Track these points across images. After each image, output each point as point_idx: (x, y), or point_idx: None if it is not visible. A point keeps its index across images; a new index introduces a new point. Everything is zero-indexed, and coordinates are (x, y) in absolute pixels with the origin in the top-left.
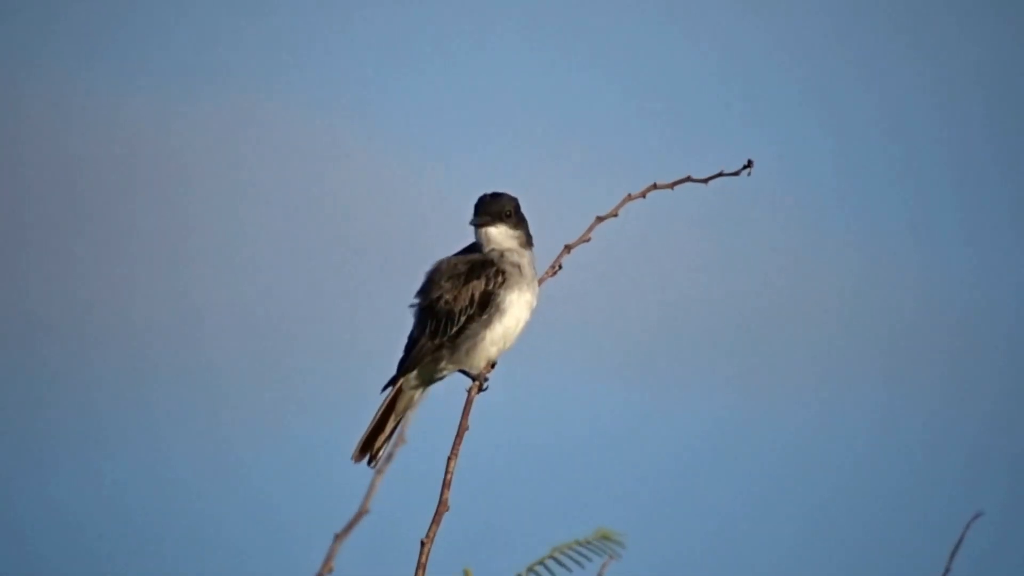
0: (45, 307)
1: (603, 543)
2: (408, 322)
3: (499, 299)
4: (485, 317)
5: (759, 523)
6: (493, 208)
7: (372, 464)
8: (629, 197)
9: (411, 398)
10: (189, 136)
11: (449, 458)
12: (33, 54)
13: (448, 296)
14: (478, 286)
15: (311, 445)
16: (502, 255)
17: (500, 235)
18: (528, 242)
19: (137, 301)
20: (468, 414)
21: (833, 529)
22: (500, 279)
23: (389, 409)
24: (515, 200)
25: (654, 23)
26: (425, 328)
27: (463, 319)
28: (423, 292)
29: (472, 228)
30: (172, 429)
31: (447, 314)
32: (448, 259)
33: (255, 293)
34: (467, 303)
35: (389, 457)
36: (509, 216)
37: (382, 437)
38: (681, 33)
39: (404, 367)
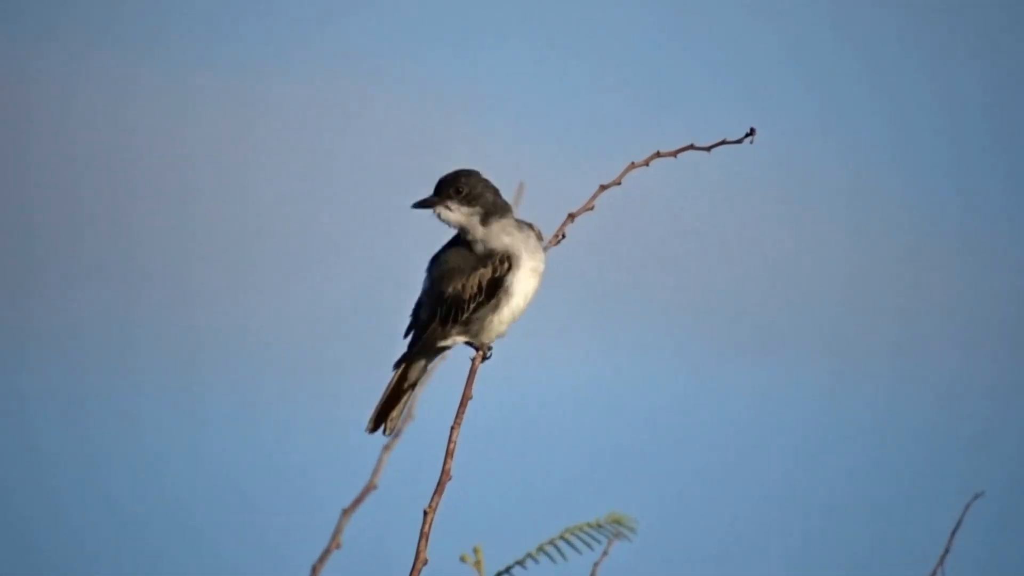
0: (48, 296)
1: (614, 526)
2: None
3: (506, 284)
4: (493, 302)
5: (761, 502)
6: (441, 188)
7: (387, 434)
8: (632, 165)
9: (421, 369)
10: (193, 116)
11: (452, 427)
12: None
13: (456, 285)
14: (485, 274)
15: (318, 421)
16: (491, 242)
17: (449, 213)
18: (490, 213)
19: (138, 283)
20: (472, 383)
21: (836, 507)
22: (506, 266)
23: (401, 381)
24: (465, 174)
25: None
26: (435, 314)
27: (472, 306)
28: (431, 280)
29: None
30: (178, 407)
31: (455, 302)
32: (451, 247)
33: (262, 270)
34: (475, 291)
35: (397, 433)
36: (460, 191)
37: (396, 407)
38: (685, 1)
39: (415, 351)
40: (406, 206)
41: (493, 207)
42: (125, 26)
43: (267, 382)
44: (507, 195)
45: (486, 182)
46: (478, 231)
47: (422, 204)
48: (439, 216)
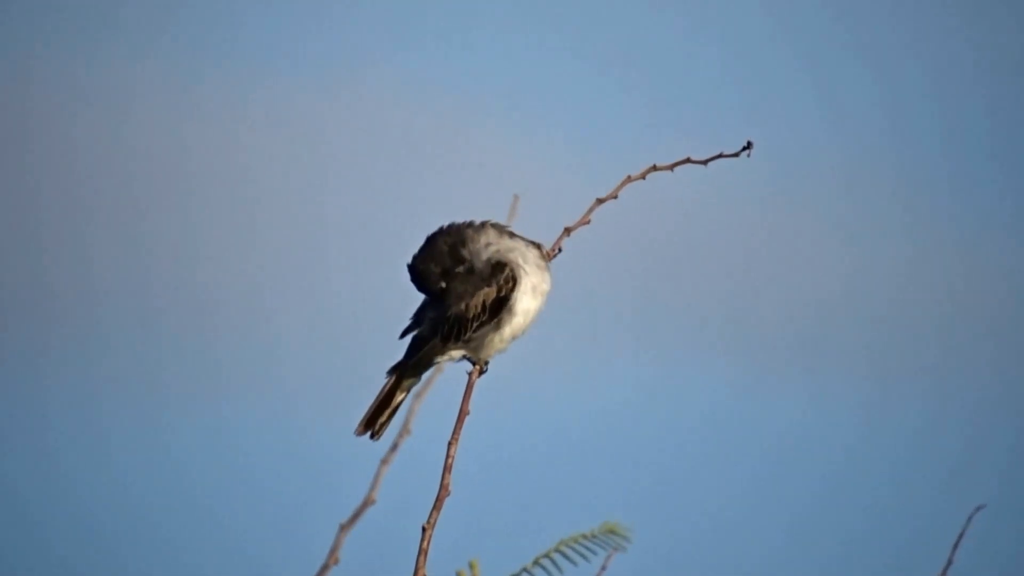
0: (54, 293)
1: (609, 537)
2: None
3: (511, 302)
4: (495, 321)
5: (761, 513)
6: (429, 279)
7: (375, 438)
8: (629, 179)
9: (416, 377)
10: (203, 130)
11: (450, 443)
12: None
13: (461, 305)
14: (490, 294)
15: (317, 435)
16: (504, 253)
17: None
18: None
19: (144, 287)
20: (469, 398)
21: (837, 521)
22: (511, 284)
23: (394, 387)
24: (435, 245)
25: (654, 4)
26: (436, 331)
27: (475, 325)
28: (433, 294)
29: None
30: (177, 418)
31: (459, 321)
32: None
33: (263, 282)
34: (479, 310)
35: (394, 447)
36: (463, 262)
37: (387, 412)
38: (681, 14)
39: (411, 363)
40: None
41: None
42: (123, 34)
43: (265, 397)
44: (503, 209)
45: (444, 241)
46: (484, 255)
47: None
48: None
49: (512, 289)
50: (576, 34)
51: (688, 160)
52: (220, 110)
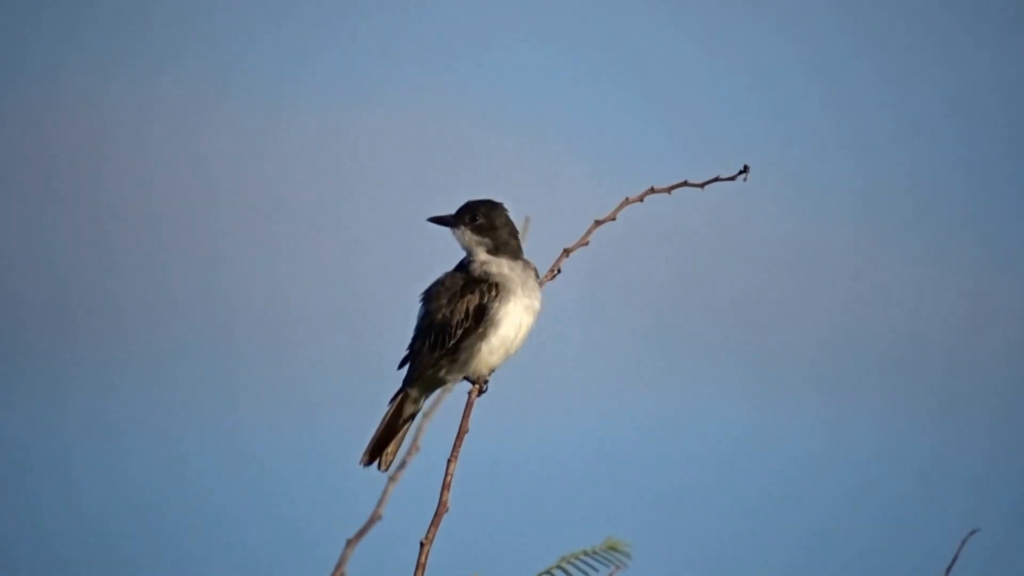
0: (69, 301)
1: (610, 553)
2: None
3: (493, 312)
4: (481, 330)
5: (760, 534)
6: (462, 211)
7: (381, 468)
8: (627, 201)
9: (418, 404)
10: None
11: (449, 460)
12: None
13: (445, 311)
14: (472, 300)
15: (323, 451)
16: (489, 267)
17: (460, 235)
18: (499, 249)
19: (162, 300)
20: (468, 417)
21: (832, 543)
22: (494, 292)
23: (396, 415)
24: (489, 206)
25: (652, 28)
26: (425, 341)
27: (459, 332)
28: (423, 306)
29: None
30: (185, 434)
31: (443, 327)
32: (447, 275)
33: (280, 298)
34: (463, 317)
35: (402, 464)
36: (476, 220)
37: (393, 442)
38: (679, 38)
39: (408, 380)
40: (422, 219)
41: (504, 246)
42: (153, 49)
43: (275, 413)
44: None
45: (506, 219)
46: (480, 257)
47: (439, 220)
48: (453, 235)
49: (495, 297)
50: (578, 58)
51: (685, 183)
52: (246, 127)
